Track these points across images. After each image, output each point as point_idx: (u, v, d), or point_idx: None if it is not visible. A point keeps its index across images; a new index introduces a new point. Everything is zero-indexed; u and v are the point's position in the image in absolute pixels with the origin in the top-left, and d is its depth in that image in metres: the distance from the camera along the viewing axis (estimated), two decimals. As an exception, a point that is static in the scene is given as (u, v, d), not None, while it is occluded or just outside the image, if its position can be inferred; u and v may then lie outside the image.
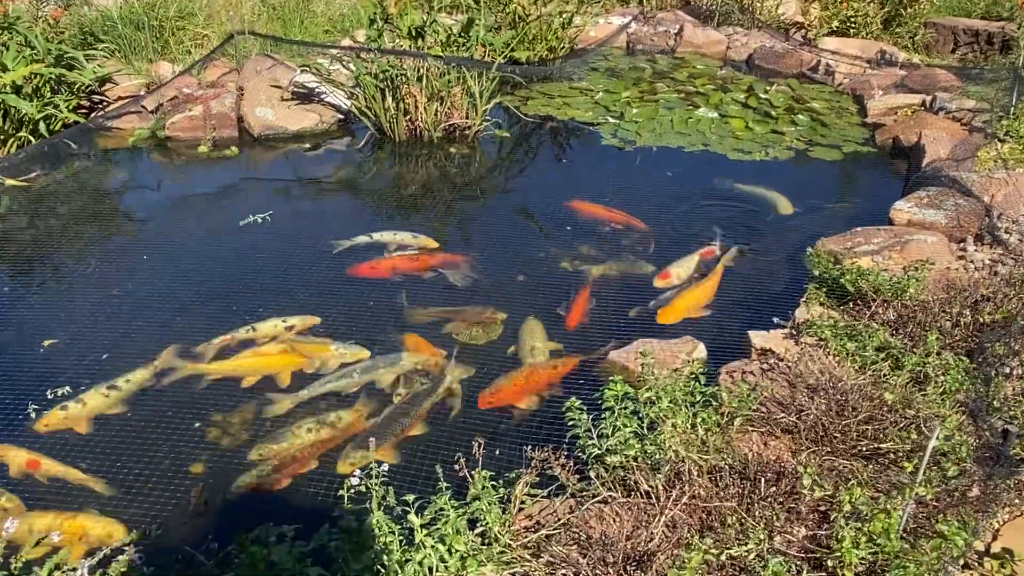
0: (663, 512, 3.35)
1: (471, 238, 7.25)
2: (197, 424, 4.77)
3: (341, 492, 3.31)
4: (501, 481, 3.69)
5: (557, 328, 5.70)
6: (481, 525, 3.45)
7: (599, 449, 3.90)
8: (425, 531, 3.28)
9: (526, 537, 3.48)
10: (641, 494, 3.56)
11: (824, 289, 5.55)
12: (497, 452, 4.39)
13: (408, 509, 3.35)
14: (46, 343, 5.60)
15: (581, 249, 6.87)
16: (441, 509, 3.39)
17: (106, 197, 8.21)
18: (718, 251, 6.71)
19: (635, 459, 3.82)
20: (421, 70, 8.87)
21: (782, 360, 4.84)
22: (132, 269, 6.58)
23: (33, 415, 4.83)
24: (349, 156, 9.11)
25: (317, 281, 6.33)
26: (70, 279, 6.50)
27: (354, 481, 3.27)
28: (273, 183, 8.46)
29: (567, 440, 4.17)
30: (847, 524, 3.35)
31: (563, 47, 11.97)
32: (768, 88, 10.76)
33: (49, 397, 5.01)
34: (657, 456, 3.86)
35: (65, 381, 5.12)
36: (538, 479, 3.75)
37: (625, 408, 4.04)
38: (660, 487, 3.48)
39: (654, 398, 4.07)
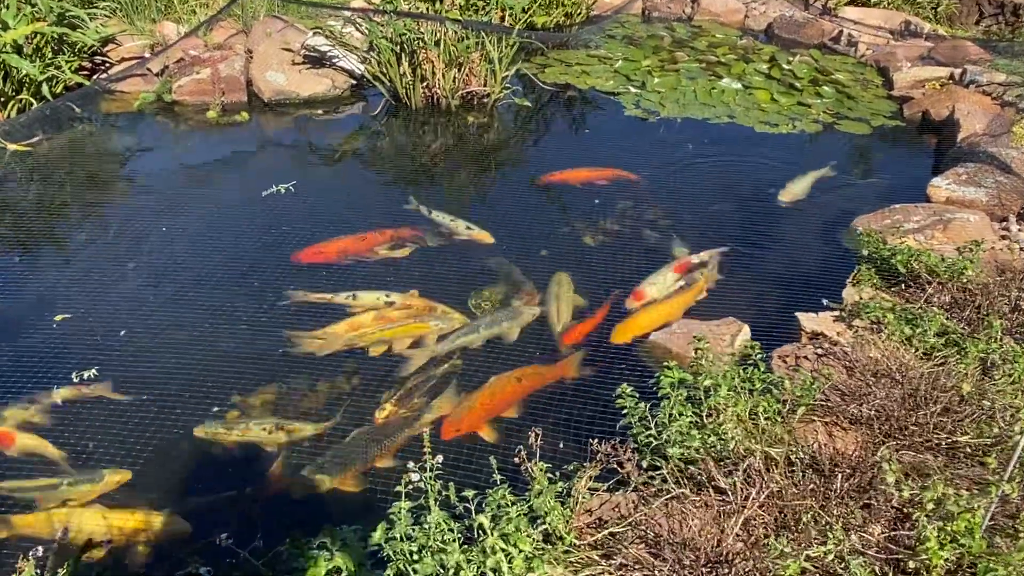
0: (742, 511, 3.15)
1: (492, 211, 7.00)
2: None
3: (397, 488, 3.07)
4: (558, 474, 3.49)
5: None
6: (543, 522, 3.24)
7: (656, 439, 3.70)
8: (485, 531, 3.07)
9: (590, 535, 3.28)
10: (712, 490, 3.36)
11: (872, 269, 5.34)
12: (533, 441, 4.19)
13: (468, 505, 3.14)
14: (58, 318, 5.35)
15: (606, 224, 6.61)
16: (501, 505, 3.17)
17: (113, 164, 7.89)
18: (695, 261, 6.00)
19: (698, 451, 3.62)
20: (438, 34, 8.52)
21: (836, 345, 4.63)
22: (148, 241, 6.30)
23: (59, 401, 4.58)
24: (365, 123, 8.78)
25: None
26: (81, 251, 6.22)
27: (413, 476, 3.04)
28: (290, 151, 8.14)
29: (617, 429, 3.98)
30: (930, 523, 3.16)
31: (580, 13, 11.59)
32: (791, 59, 10.44)
33: (75, 380, 4.76)
34: (719, 447, 3.67)
35: (86, 361, 4.88)
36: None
37: (680, 395, 3.85)
38: (738, 483, 3.28)
39: (713, 385, 3.86)
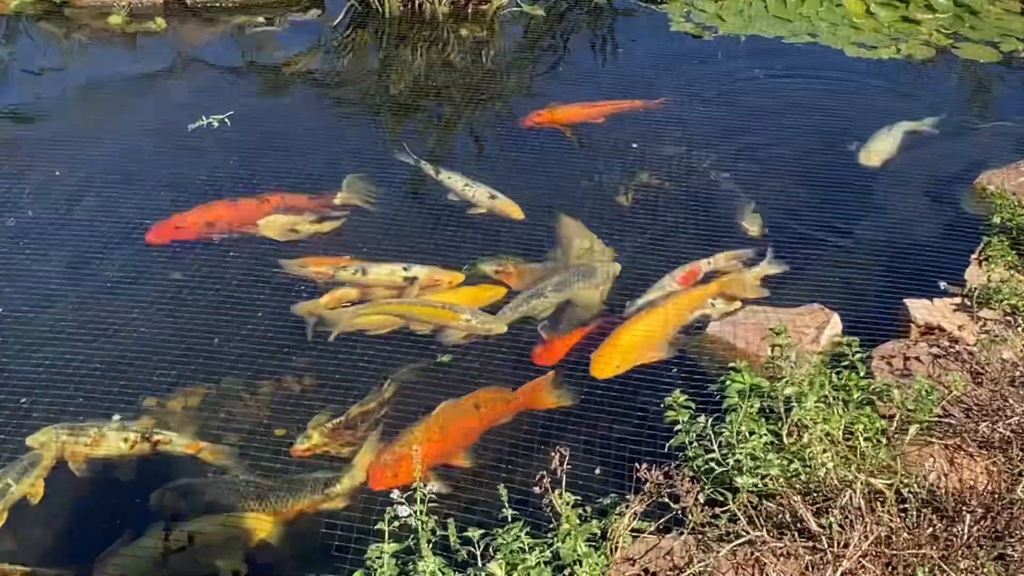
0: (839, 562, 3.14)
1: (488, 158, 6.98)
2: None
3: (379, 525, 3.05)
4: (589, 509, 3.48)
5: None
6: (571, 572, 3.23)
7: (721, 465, 3.69)
8: (496, 582, 3.06)
9: (634, 593, 3.27)
10: (798, 534, 3.35)
11: (1006, 242, 5.33)
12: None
13: (472, 550, 3.13)
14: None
15: (643, 177, 6.59)
16: (516, 550, 3.16)
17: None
18: (706, 267, 5.71)
19: (776, 481, 3.60)
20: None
21: (957, 343, 4.62)
22: (30, 191, 6.25)
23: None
24: (322, 36, 8.76)
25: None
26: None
27: (402, 512, 3.02)
28: (223, 73, 8.10)
29: (662, 450, 3.97)
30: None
31: None
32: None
33: None
34: (805, 476, 3.65)
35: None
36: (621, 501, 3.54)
37: (751, 407, 3.83)
38: (834, 525, 3.27)
39: (797, 394, 3.85)
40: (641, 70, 8.33)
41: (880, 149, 6.93)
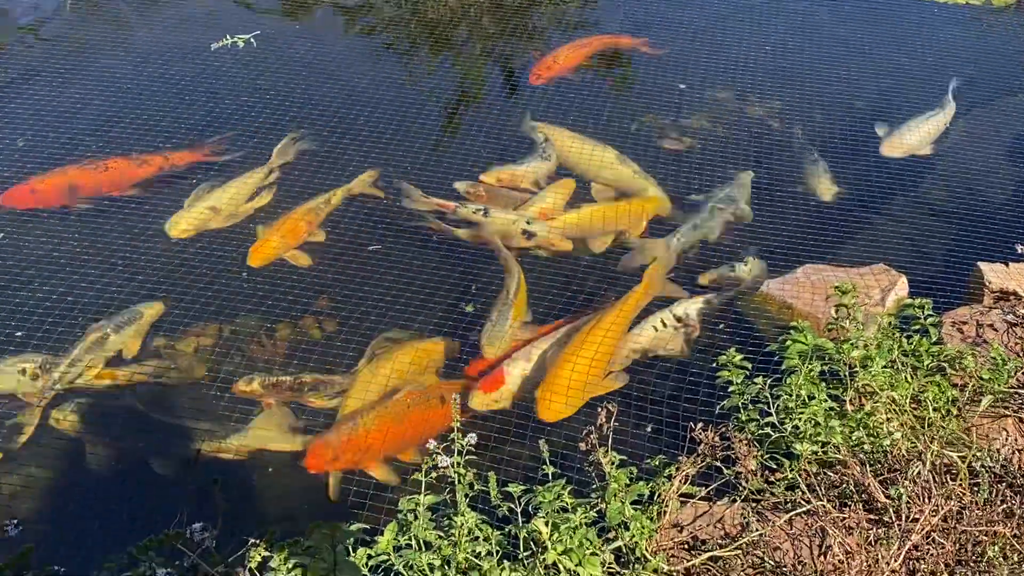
0: (906, 537, 3.00)
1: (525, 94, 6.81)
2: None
3: (415, 475, 2.94)
4: (633, 470, 3.35)
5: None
6: (616, 537, 3.11)
7: (778, 431, 3.55)
8: (539, 543, 2.94)
9: (683, 559, 3.15)
10: (862, 506, 3.21)
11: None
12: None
13: (512, 506, 3.02)
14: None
15: (692, 121, 6.40)
16: (559, 509, 3.04)
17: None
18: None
19: (839, 449, 3.47)
20: None
21: (1036, 310, 4.44)
22: (41, 110, 6.14)
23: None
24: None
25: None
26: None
27: (440, 461, 2.90)
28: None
29: (715, 413, 3.83)
30: None
31: None
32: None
33: None
34: (870, 446, 3.52)
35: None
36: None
37: (812, 370, 3.68)
38: (902, 498, 3.13)
39: (863, 359, 3.69)
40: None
41: (905, 142, 6.27)
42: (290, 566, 2.74)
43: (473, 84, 6.86)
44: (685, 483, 3.36)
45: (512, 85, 6.90)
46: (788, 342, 3.83)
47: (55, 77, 6.47)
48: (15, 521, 2.82)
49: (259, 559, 2.85)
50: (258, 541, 2.88)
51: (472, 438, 3.21)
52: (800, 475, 3.41)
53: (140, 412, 4.25)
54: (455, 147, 6.10)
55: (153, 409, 4.22)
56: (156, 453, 4.02)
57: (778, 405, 3.60)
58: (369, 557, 2.89)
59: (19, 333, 4.54)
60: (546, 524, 2.97)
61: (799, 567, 3.11)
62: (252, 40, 6.79)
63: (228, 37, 6.79)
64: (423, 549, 2.91)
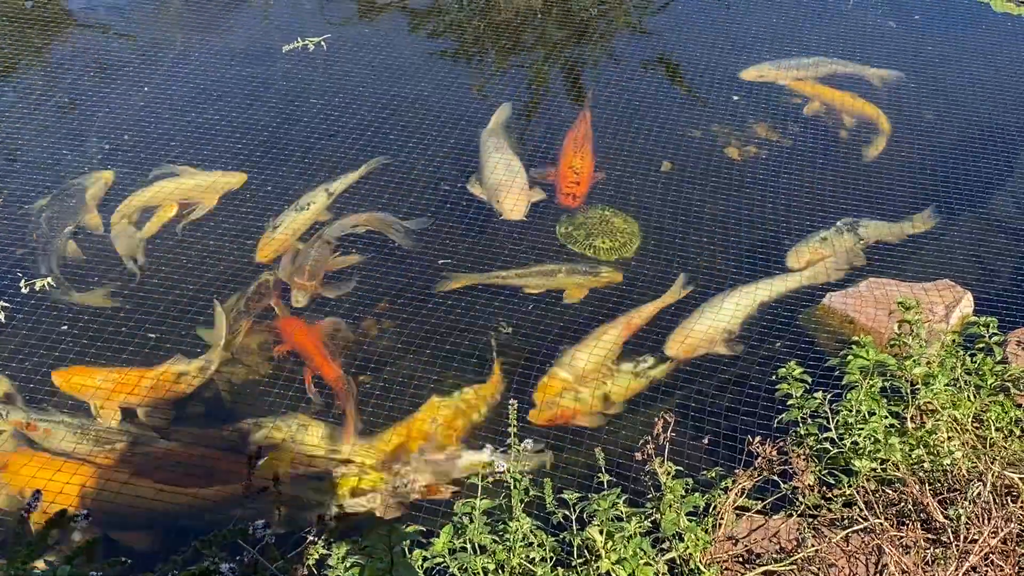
0: (964, 559, 3.06)
1: (587, 99, 6.88)
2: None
3: (472, 479, 3.06)
4: (689, 481, 3.44)
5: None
6: (670, 548, 3.20)
7: (836, 446, 3.61)
8: (593, 551, 3.05)
9: (737, 572, 3.23)
10: (920, 525, 3.27)
11: None
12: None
13: (566, 513, 3.13)
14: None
15: (756, 129, 6.46)
16: (614, 518, 3.14)
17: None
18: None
19: (898, 467, 3.52)
20: None
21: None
22: (116, 110, 6.35)
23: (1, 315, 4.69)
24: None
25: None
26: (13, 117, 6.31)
27: (498, 465, 3.02)
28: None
29: (774, 427, 3.91)
30: None
31: None
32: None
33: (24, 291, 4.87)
34: (930, 464, 3.57)
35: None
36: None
37: (873, 386, 3.74)
38: (961, 518, 3.18)
39: (926, 376, 3.74)
40: (758, 10, 8.13)
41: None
42: (348, 564, 2.86)
43: (534, 91, 6.95)
44: (741, 496, 3.43)
45: (577, 92, 6.99)
46: (849, 357, 3.86)
47: (131, 77, 6.68)
48: (85, 512, 2.96)
49: (317, 557, 2.98)
50: (316, 539, 3.01)
51: (528, 444, 3.33)
52: (858, 492, 3.45)
53: (206, 408, 4.42)
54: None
55: (218, 405, 4.40)
56: (221, 448, 4.19)
57: (837, 420, 3.64)
58: (424, 559, 3.01)
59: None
60: (600, 532, 3.06)
61: (854, 585, 3.18)
62: (322, 43, 6.96)
63: (299, 40, 6.97)
64: (478, 553, 3.02)
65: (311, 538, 2.98)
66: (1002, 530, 3.16)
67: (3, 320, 4.64)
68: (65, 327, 4.68)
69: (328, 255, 5.18)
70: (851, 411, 3.65)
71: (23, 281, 4.88)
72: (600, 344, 4.75)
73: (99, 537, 2.66)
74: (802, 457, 3.42)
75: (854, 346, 3.91)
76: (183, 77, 6.75)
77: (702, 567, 3.16)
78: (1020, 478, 3.42)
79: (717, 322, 4.88)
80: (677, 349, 4.76)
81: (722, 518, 3.37)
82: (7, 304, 4.73)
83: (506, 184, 5.72)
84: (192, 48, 7.11)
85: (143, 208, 5.49)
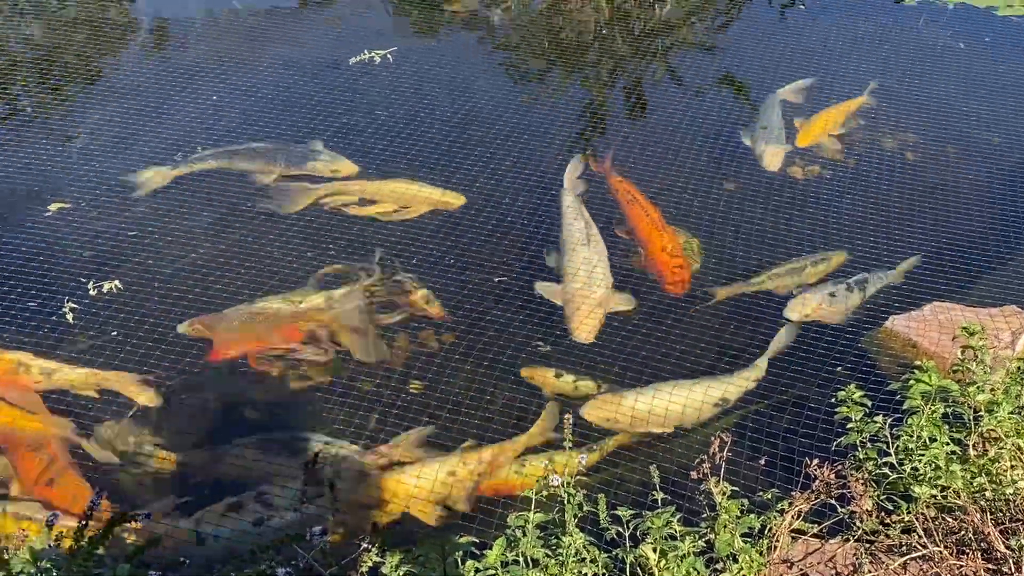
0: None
1: (650, 119, 6.89)
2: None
3: (525, 493, 3.08)
4: (745, 501, 3.43)
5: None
6: (724, 566, 3.19)
7: (896, 471, 3.58)
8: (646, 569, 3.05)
9: (793, 596, 3.21)
10: (981, 555, 3.23)
11: None
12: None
13: (619, 529, 3.14)
14: (53, 207, 5.59)
15: (822, 148, 6.43)
16: (668, 536, 3.14)
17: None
18: None
19: (959, 495, 3.48)
20: None
21: None
22: (183, 114, 6.49)
23: (70, 316, 4.78)
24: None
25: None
26: (90, 121, 6.44)
27: (554, 481, 3.04)
28: (382, 6, 8.31)
29: (832, 448, 3.88)
30: None
31: None
32: None
33: (92, 293, 4.94)
34: (992, 493, 3.52)
35: (102, 267, 5.08)
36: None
37: (935, 412, 3.70)
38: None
39: (989, 403, 3.70)
40: (821, 33, 8.10)
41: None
42: (401, 573, 2.89)
43: (596, 108, 6.97)
44: (798, 519, 3.40)
45: (639, 108, 7.00)
46: (911, 381, 3.81)
47: (202, 86, 6.82)
48: (146, 512, 3.03)
49: (371, 563, 3.02)
50: (370, 547, 3.05)
51: (583, 459, 3.34)
52: (917, 519, 3.40)
53: (263, 413, 4.50)
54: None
55: (275, 411, 4.47)
56: (277, 454, 4.25)
57: (897, 445, 3.61)
58: (477, 571, 3.03)
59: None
60: (654, 551, 3.06)
61: (912, 614, 3.14)
62: (388, 56, 7.06)
63: (366, 52, 7.08)
64: (530, 566, 3.03)
65: (365, 545, 3.01)
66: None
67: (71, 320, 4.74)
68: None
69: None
70: (912, 436, 3.60)
71: (91, 283, 4.97)
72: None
73: (159, 536, 2.71)
74: (861, 481, 3.39)
75: (916, 370, 3.87)
76: (252, 87, 6.87)
77: (756, 589, 3.15)
78: (1085, 510, 3.36)
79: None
80: None
81: (778, 540, 3.35)
82: (75, 305, 4.83)
83: (581, 299, 5.14)
84: (262, 59, 7.25)
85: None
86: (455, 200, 5.79)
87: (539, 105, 6.94)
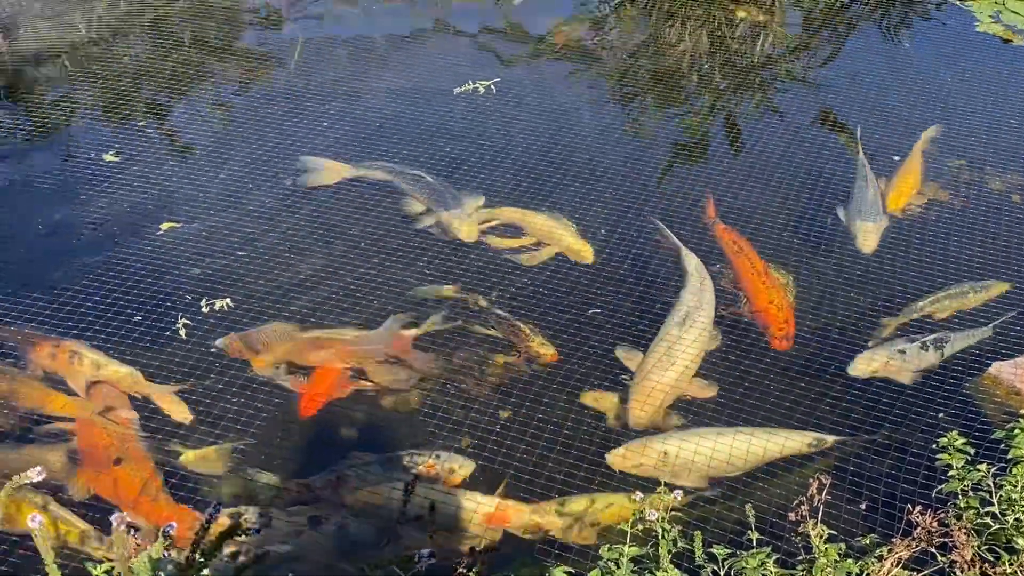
0: None
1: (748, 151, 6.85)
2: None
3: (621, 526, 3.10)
4: (843, 546, 3.40)
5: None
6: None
7: (998, 522, 3.51)
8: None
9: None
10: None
11: None
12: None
13: (715, 568, 3.14)
14: (164, 226, 5.73)
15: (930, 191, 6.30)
16: (763, 576, 3.13)
17: (245, 26, 8.38)
18: None
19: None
20: None
21: None
22: (292, 139, 6.62)
23: (183, 332, 4.88)
24: (588, 5, 8.95)
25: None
26: (203, 142, 6.63)
27: (650, 515, 3.05)
28: (484, 34, 8.34)
29: (933, 496, 3.82)
30: None
31: None
32: None
33: (204, 310, 5.04)
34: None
35: (212, 287, 5.19)
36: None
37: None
38: None
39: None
40: (931, 74, 7.98)
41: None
42: (497, 599, 2.93)
43: (693, 140, 6.97)
44: (897, 566, 3.36)
45: (738, 143, 6.99)
46: (1016, 430, 3.77)
47: (312, 113, 6.96)
48: (255, 528, 3.10)
49: (467, 589, 3.05)
50: (467, 571, 3.08)
51: (678, 494, 3.35)
52: (1019, 570, 3.36)
53: (361, 434, 4.56)
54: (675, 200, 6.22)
55: (374, 433, 4.55)
56: (378, 475, 4.29)
57: (1000, 495, 3.55)
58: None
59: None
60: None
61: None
62: (492, 87, 7.15)
63: (471, 83, 7.17)
64: (624, 601, 3.05)
65: (462, 569, 3.05)
66: None
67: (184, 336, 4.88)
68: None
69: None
70: (1016, 487, 3.54)
71: (204, 300, 5.10)
72: None
73: (267, 552, 2.77)
74: (962, 530, 3.34)
75: (1021, 419, 3.81)
76: (360, 114, 7.00)
77: (854, 639, 3.12)
78: None
79: None
80: None
81: (877, 588, 3.32)
82: (188, 321, 4.96)
83: (651, 382, 4.81)
84: (370, 87, 7.38)
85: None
86: (586, 253, 5.67)
87: (638, 138, 6.96)
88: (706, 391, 4.81)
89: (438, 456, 4.33)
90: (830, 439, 4.45)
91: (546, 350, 4.94)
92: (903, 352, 4.99)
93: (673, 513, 3.23)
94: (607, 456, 4.36)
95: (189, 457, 4.30)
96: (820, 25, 8.81)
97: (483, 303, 5.22)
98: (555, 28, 8.48)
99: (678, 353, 4.93)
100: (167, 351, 4.83)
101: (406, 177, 6.08)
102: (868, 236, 5.85)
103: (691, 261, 5.55)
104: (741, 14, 8.68)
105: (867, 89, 7.69)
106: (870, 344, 5.11)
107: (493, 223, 5.82)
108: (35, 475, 2.54)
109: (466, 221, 5.75)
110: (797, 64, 8.27)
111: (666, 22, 8.63)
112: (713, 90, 7.74)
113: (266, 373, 4.72)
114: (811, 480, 3.36)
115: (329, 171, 6.17)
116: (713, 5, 8.73)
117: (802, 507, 3.26)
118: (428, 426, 4.52)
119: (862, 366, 4.93)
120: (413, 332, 5.02)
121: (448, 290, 5.31)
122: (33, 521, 2.43)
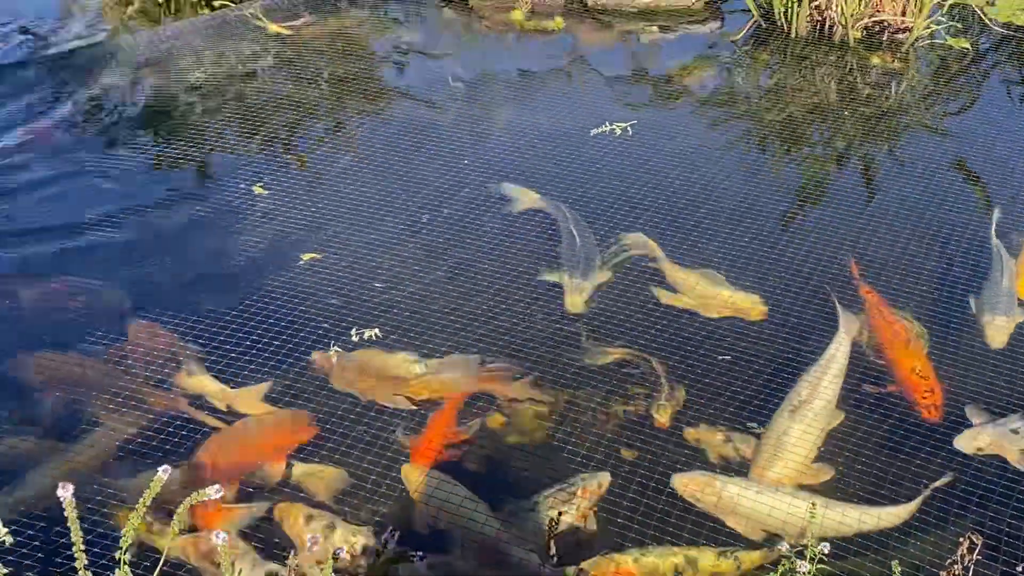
0: None
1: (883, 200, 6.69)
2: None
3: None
4: None
5: None
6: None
7: None
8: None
9: None
10: None
11: None
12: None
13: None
14: (305, 256, 5.87)
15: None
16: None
17: (386, 65, 8.64)
18: None
19: None
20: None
21: None
22: (430, 174, 6.74)
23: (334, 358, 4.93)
24: (718, 49, 8.95)
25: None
26: (338, 176, 6.80)
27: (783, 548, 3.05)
28: (618, 78, 8.44)
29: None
30: None
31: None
32: None
33: (355, 339, 5.11)
34: None
35: (355, 316, 5.28)
36: None
37: None
38: None
39: None
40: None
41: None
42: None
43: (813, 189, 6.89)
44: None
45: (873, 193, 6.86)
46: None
47: (450, 151, 7.10)
48: (420, 554, 3.12)
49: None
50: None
51: (825, 547, 3.31)
52: None
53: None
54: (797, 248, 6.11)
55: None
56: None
57: None
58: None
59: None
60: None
61: None
62: (628, 128, 7.19)
63: (607, 124, 7.23)
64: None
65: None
66: None
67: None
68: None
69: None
70: None
71: (354, 330, 5.20)
72: None
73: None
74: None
75: None
76: (496, 152, 7.12)
77: None
78: None
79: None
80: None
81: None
82: (339, 349, 5.06)
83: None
84: (505, 126, 7.53)
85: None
86: (754, 308, 5.53)
87: (768, 183, 6.93)
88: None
89: (583, 479, 4.34)
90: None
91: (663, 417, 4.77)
92: (1016, 432, 4.73)
93: (819, 566, 3.21)
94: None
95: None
96: (960, 71, 8.65)
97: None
98: (684, 72, 8.54)
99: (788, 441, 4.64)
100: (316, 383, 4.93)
101: (566, 222, 6.07)
102: (999, 333, 5.43)
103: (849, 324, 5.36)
104: (876, 60, 8.63)
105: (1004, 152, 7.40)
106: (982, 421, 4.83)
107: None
108: (213, 492, 2.64)
109: (575, 293, 5.56)
110: (941, 113, 8.13)
111: (803, 68, 8.62)
112: (843, 134, 7.66)
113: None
114: (962, 539, 3.31)
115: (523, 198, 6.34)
116: (847, 52, 8.69)
117: (955, 567, 3.22)
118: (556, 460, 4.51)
119: (969, 441, 4.69)
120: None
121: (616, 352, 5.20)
122: (218, 537, 2.53)
